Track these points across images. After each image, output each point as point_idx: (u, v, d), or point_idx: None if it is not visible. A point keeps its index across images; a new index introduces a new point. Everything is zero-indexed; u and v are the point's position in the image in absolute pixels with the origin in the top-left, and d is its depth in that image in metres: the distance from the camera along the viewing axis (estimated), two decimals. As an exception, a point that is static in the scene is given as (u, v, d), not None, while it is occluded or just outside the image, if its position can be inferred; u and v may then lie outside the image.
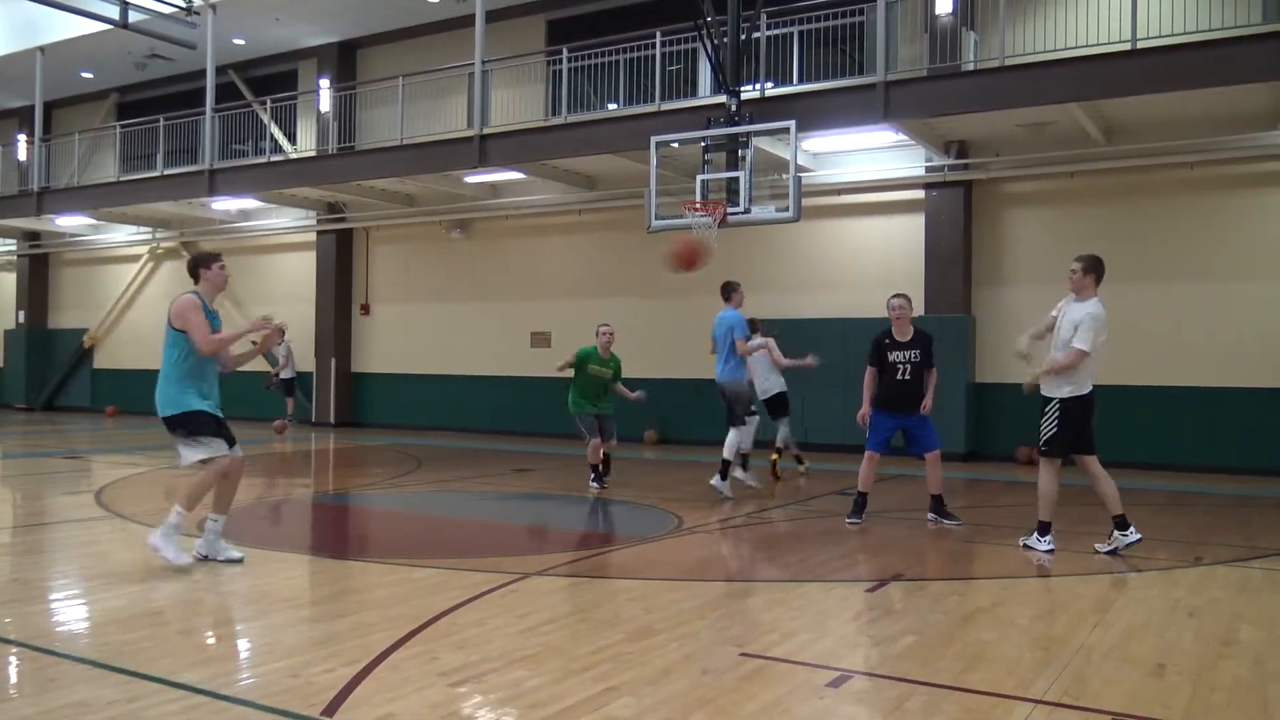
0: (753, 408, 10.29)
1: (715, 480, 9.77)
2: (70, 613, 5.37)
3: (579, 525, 9.04)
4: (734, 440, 9.78)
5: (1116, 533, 6.99)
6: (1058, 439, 6.93)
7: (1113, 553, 6.97)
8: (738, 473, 10.09)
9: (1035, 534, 7.17)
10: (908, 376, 8.23)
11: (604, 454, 10.75)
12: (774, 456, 11.45)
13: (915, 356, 8.27)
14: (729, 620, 5.24)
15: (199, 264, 6.88)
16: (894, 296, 8.44)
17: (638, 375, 16.87)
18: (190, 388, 6.62)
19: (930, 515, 8.39)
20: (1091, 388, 6.93)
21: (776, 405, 11.56)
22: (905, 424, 8.31)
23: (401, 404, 19.16)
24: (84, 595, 5.71)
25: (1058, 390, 6.91)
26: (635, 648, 4.60)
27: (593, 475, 10.62)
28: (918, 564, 6.92)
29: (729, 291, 9.95)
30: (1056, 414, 6.91)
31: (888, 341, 8.36)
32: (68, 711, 3.68)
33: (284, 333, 18.96)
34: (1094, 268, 7.06)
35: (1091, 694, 4.05)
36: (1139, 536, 6.94)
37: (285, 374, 18.99)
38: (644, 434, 16.21)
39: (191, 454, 6.45)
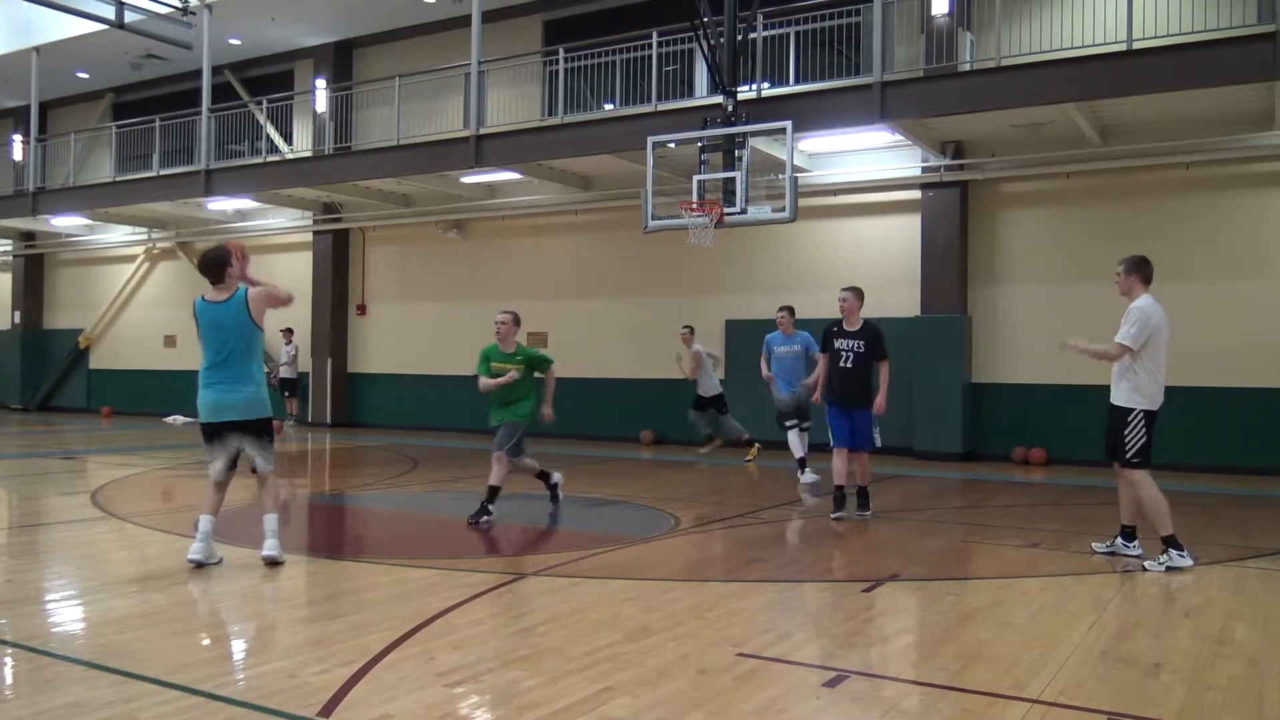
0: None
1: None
2: (66, 613, 5.36)
3: (576, 525, 9.04)
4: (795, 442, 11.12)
5: (1120, 540, 6.95)
6: (1144, 449, 6.60)
7: (1110, 555, 6.96)
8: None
9: (1169, 550, 6.56)
10: (850, 365, 8.54)
11: (542, 472, 9.15)
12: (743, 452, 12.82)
13: (860, 347, 8.55)
14: (725, 620, 5.24)
15: (223, 261, 6.42)
16: (842, 290, 8.76)
17: (636, 375, 16.96)
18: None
19: (856, 512, 8.68)
20: (1162, 401, 6.63)
21: (717, 402, 13.82)
22: (850, 417, 8.59)
23: (398, 404, 19.15)
24: (80, 596, 5.70)
25: (1130, 399, 6.60)
26: (632, 648, 4.60)
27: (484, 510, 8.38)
28: (914, 564, 6.93)
29: None
30: (1140, 423, 6.59)
31: (835, 330, 8.70)
32: (63, 712, 3.68)
33: (291, 332, 19.09)
34: (1135, 268, 6.76)
35: (1087, 694, 4.06)
36: (1140, 552, 6.84)
37: (286, 373, 19.01)
38: (641, 434, 16.21)
39: (271, 459, 6.52)
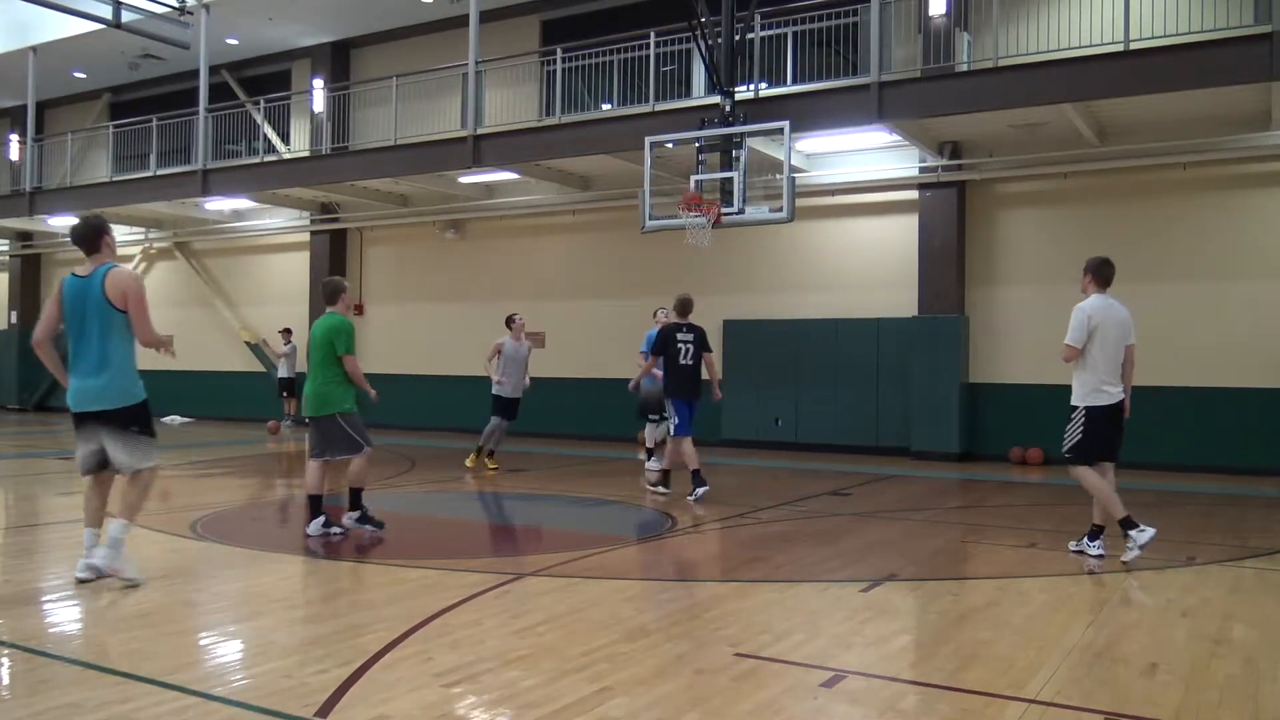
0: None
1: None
2: (63, 614, 5.35)
3: (573, 525, 9.04)
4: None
5: (1096, 538, 7.02)
6: (1079, 446, 6.91)
7: (1079, 553, 7.02)
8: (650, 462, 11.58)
9: (1128, 533, 6.79)
10: (690, 360, 9.85)
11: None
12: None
13: (692, 341, 9.90)
14: (723, 620, 5.24)
15: (104, 231, 5.81)
16: (681, 296, 10.19)
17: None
18: (136, 371, 5.81)
19: (688, 495, 9.68)
20: (1111, 398, 6.84)
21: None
22: (690, 407, 9.88)
23: (395, 404, 19.04)
24: (77, 596, 5.69)
25: (1075, 397, 6.95)
26: (629, 648, 4.60)
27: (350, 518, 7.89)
28: (912, 564, 6.93)
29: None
30: (1080, 420, 6.92)
31: (673, 327, 9.97)
32: (60, 713, 3.67)
33: (290, 332, 19.11)
34: (1090, 269, 7.11)
35: (1084, 693, 4.06)
36: (1101, 552, 6.90)
37: (283, 373, 19.03)
38: (639, 434, 16.20)
39: (150, 455, 5.82)
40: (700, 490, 9.51)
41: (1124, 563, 6.65)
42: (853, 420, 14.50)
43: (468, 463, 12.34)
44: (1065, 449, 6.98)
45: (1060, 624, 5.19)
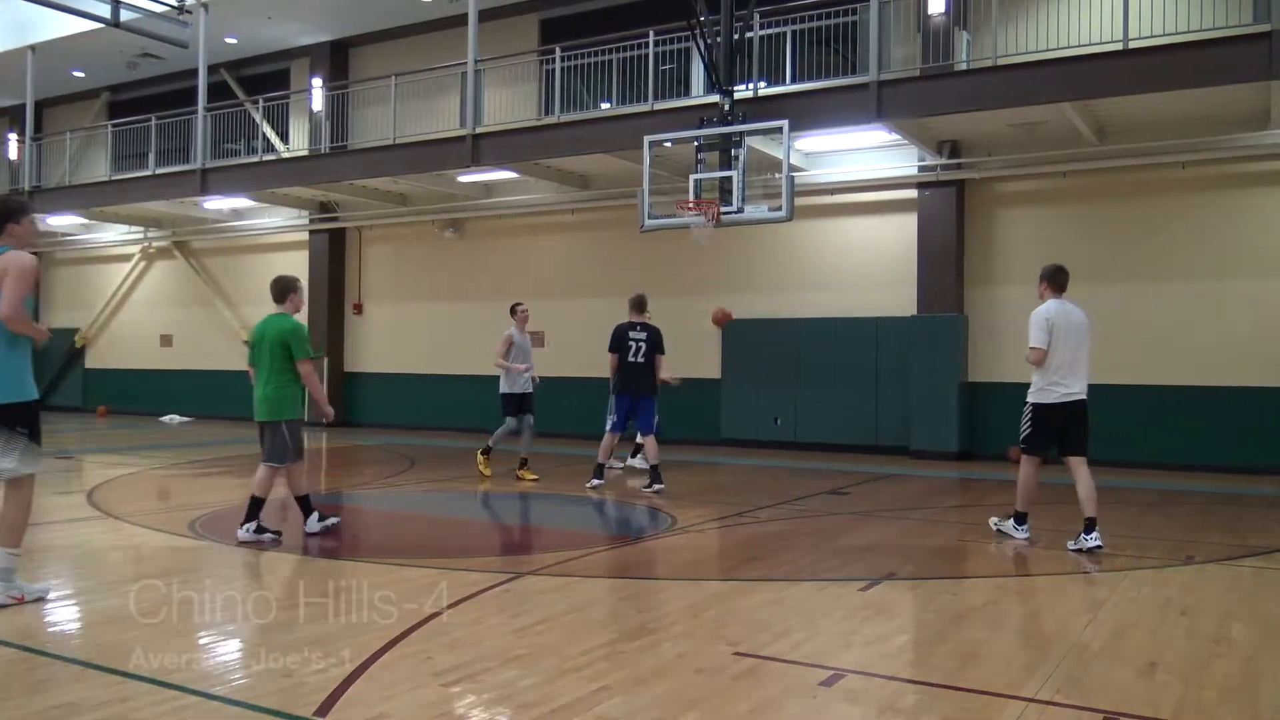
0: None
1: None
2: (61, 613, 5.35)
3: (572, 525, 9.04)
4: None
5: (1012, 523, 7.63)
6: (1030, 438, 7.47)
7: (1079, 552, 7.08)
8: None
9: (1012, 519, 7.66)
10: (640, 358, 10.14)
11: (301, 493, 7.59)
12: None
13: (644, 340, 10.25)
14: (722, 619, 5.25)
15: (9, 216, 5.30)
16: (637, 293, 10.63)
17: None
18: (30, 369, 5.27)
19: (655, 486, 10.07)
20: (1061, 396, 7.23)
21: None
22: (635, 405, 10.17)
23: (394, 403, 19.13)
24: (75, 595, 5.69)
25: (1030, 394, 7.43)
26: (628, 647, 4.60)
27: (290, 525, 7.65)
28: (910, 563, 6.94)
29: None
30: (1029, 416, 7.45)
31: (627, 325, 10.32)
32: (59, 712, 3.67)
33: None
34: (1044, 276, 7.51)
35: (1083, 692, 4.07)
36: (1100, 543, 7.07)
37: None
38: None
39: (27, 463, 5.16)
40: (597, 481, 10.34)
41: (991, 523, 7.80)
42: (852, 419, 14.51)
43: (520, 475, 11.18)
44: (1020, 439, 7.55)
45: (1059, 623, 5.20)
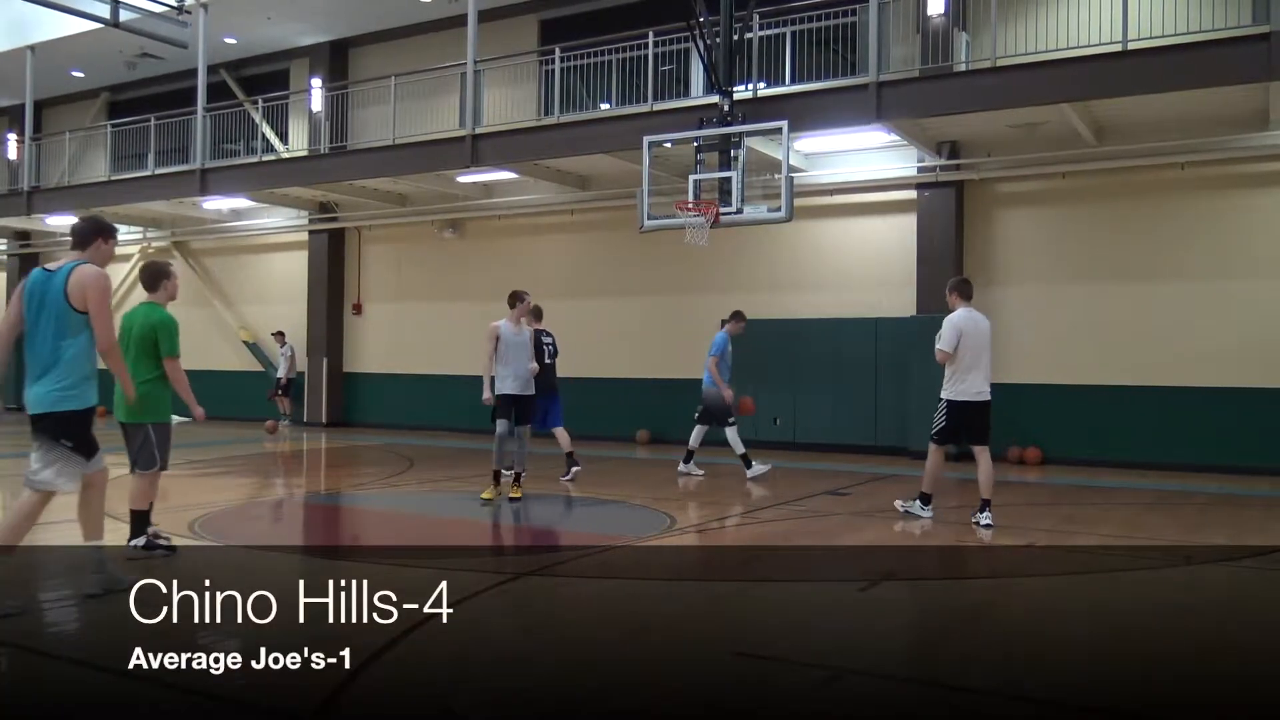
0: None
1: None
2: (60, 613, 5.35)
3: (572, 525, 9.04)
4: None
5: (918, 503, 8.47)
6: (942, 430, 8.40)
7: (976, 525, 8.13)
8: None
9: (917, 500, 8.55)
10: (550, 360, 10.98)
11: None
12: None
13: (553, 343, 11.28)
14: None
15: (102, 232, 5.50)
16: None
17: (632, 375, 16.94)
18: (94, 380, 5.30)
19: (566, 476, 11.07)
20: (974, 395, 8.22)
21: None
22: (544, 404, 10.69)
23: (394, 404, 19.12)
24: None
25: (944, 392, 8.36)
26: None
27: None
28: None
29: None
30: (943, 411, 8.35)
31: (540, 331, 11.06)
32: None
33: (283, 334, 19.19)
34: (953, 287, 8.51)
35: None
36: (991, 521, 8.18)
37: (280, 372, 19.11)
38: (637, 434, 16.20)
39: (68, 481, 5.31)
40: (575, 469, 11.24)
41: (898, 505, 8.61)
42: (851, 420, 14.50)
43: (512, 493, 9.72)
44: (932, 431, 8.41)
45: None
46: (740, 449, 11.39)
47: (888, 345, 14.26)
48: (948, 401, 8.28)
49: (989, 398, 8.32)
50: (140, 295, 6.84)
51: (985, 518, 8.17)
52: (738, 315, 11.83)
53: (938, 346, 8.28)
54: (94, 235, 5.44)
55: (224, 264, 21.53)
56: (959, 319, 8.25)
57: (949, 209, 13.83)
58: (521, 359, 9.62)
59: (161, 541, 6.70)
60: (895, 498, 8.92)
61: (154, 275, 6.63)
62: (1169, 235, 12.77)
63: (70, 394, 5.24)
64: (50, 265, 5.36)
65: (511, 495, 9.60)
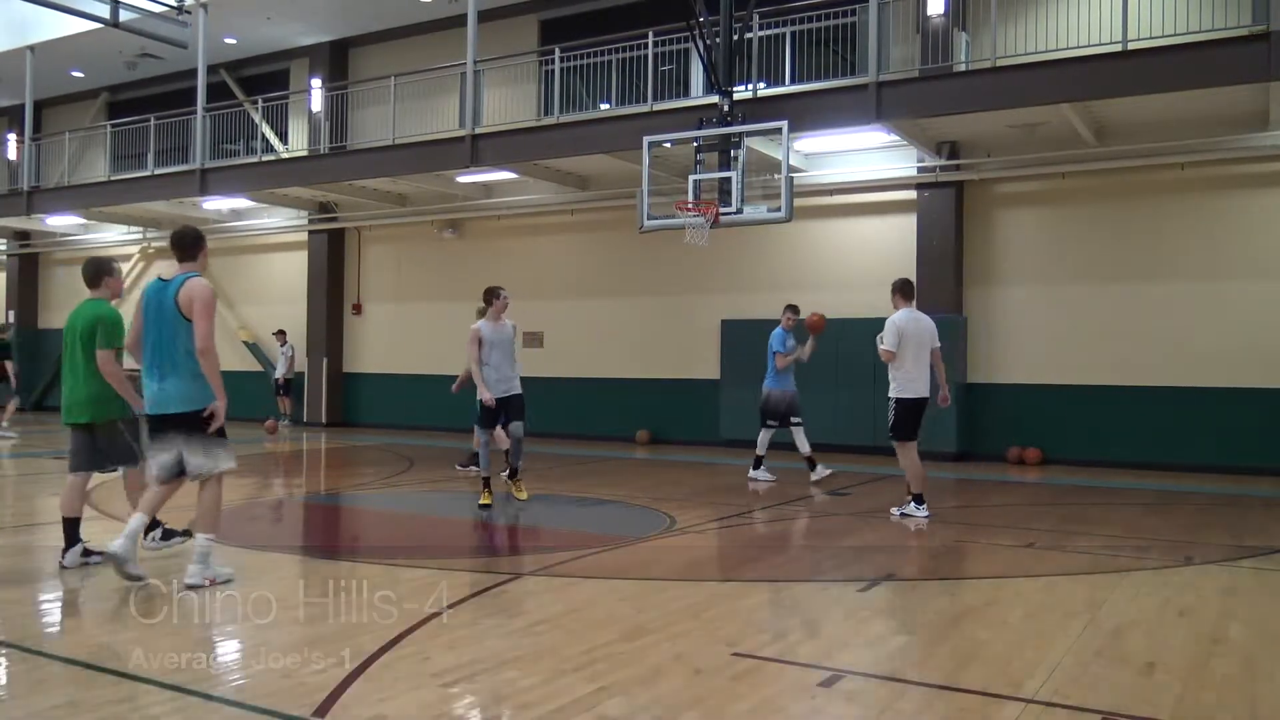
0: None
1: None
2: (61, 613, 5.35)
3: (571, 525, 9.04)
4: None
5: (913, 505, 8.48)
6: (897, 427, 8.55)
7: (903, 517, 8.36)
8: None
9: (911, 502, 8.53)
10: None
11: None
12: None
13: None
14: (721, 620, 5.25)
15: (200, 242, 6.00)
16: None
17: (632, 375, 16.95)
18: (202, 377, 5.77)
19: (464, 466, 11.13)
20: (920, 391, 8.47)
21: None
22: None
23: (393, 404, 19.12)
24: (74, 596, 5.69)
25: (892, 390, 8.56)
26: (627, 648, 4.60)
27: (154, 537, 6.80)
28: (909, 563, 6.94)
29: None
30: (895, 408, 8.52)
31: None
32: (58, 712, 3.67)
33: (284, 333, 19.24)
34: (896, 289, 8.69)
35: (1082, 693, 4.07)
36: (928, 514, 8.39)
37: (279, 372, 19.16)
38: (636, 434, 16.20)
39: (225, 459, 5.84)
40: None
41: (893, 513, 8.52)
42: (851, 420, 14.48)
43: (516, 494, 9.59)
44: (890, 430, 8.55)
45: (1058, 623, 5.20)
46: (806, 449, 11.14)
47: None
48: (898, 400, 8.49)
49: (928, 395, 8.59)
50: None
51: (911, 508, 8.45)
52: (789, 309, 11.63)
53: (881, 346, 8.50)
54: (197, 245, 5.94)
55: (224, 264, 21.52)
56: (900, 319, 8.49)
57: (949, 209, 13.84)
58: (505, 357, 9.29)
59: (174, 529, 6.80)
60: (892, 505, 8.83)
61: (96, 270, 6.59)
62: (1169, 235, 12.77)
63: (201, 394, 5.73)
64: (165, 276, 5.86)
65: (516, 495, 9.49)
